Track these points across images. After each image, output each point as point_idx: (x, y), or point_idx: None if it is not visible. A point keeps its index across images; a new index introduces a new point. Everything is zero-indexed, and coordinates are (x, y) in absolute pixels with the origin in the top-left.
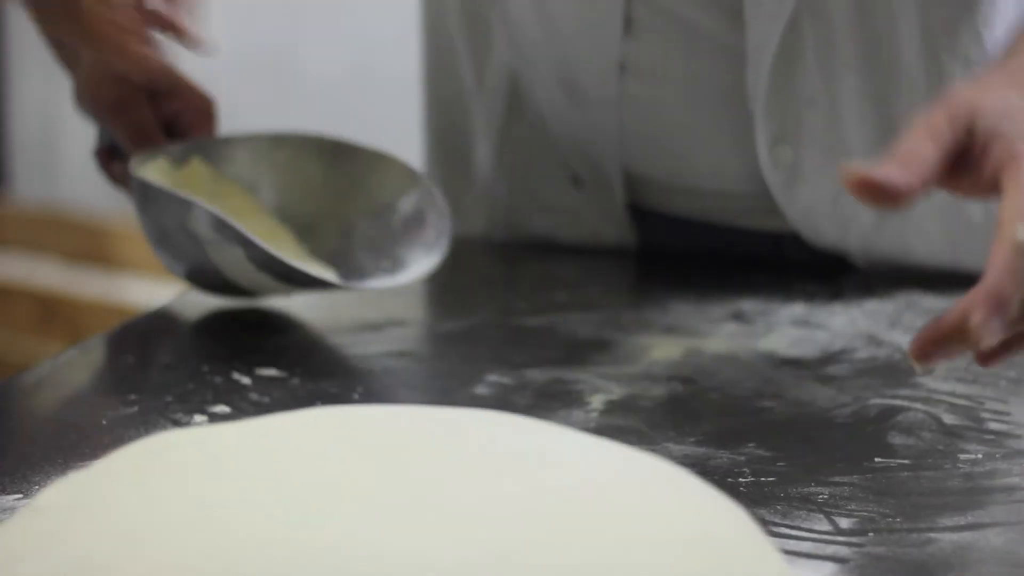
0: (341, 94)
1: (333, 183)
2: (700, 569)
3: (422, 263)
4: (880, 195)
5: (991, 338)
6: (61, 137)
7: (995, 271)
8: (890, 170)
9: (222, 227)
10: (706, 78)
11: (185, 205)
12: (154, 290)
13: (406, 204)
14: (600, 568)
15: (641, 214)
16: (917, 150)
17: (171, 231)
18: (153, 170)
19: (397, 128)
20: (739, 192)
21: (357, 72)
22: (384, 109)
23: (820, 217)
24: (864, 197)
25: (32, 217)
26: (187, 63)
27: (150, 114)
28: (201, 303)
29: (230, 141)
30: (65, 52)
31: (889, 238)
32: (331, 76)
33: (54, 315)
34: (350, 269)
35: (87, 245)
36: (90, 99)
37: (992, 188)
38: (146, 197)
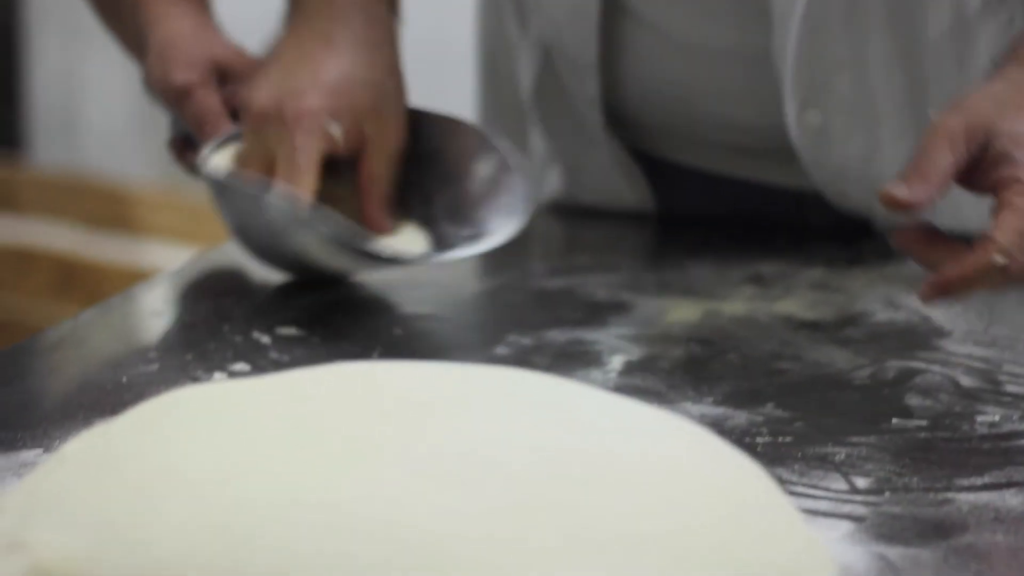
0: None
1: (408, 152)
2: (719, 524)
3: (505, 228)
4: (906, 208)
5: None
6: (81, 102)
7: (958, 273)
8: (914, 189)
9: (299, 210)
10: (722, 34)
11: (259, 192)
12: (174, 254)
13: (483, 168)
14: (619, 522)
15: (662, 169)
16: (936, 163)
17: (248, 218)
18: (224, 157)
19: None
20: (758, 147)
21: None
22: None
23: (848, 180)
24: (893, 209)
25: (52, 182)
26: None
27: (218, 100)
28: (221, 263)
29: None
30: (132, 40)
31: None
32: None
33: (74, 280)
34: (433, 238)
35: (107, 210)
36: (159, 85)
37: (990, 192)
38: (220, 186)
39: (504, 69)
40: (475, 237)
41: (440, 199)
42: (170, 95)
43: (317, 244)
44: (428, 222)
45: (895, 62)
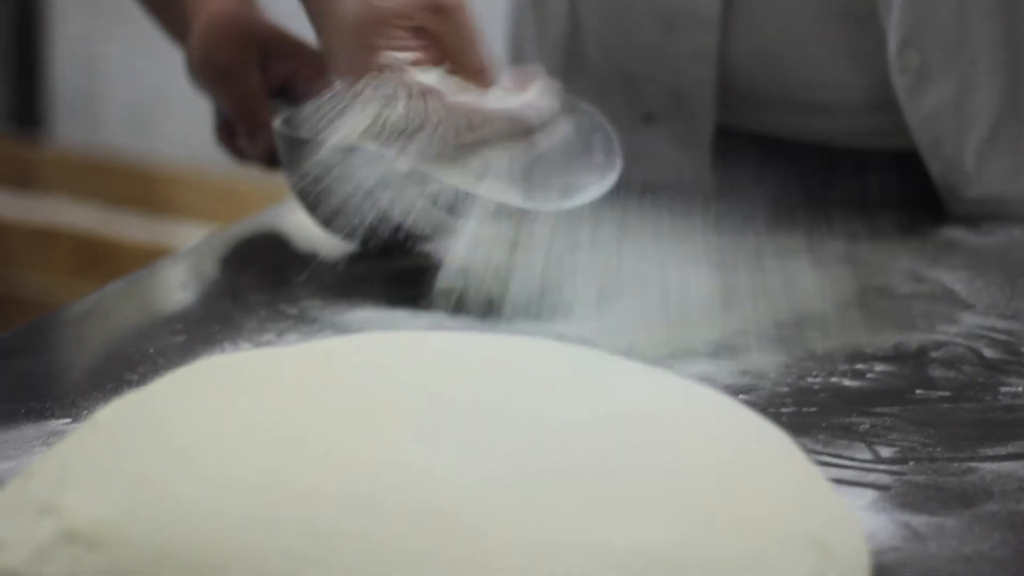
0: None
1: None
2: (749, 491)
3: (596, 185)
4: None
5: None
6: (103, 81)
7: None
8: None
9: (392, 167)
10: None
11: (349, 150)
12: (196, 233)
13: (565, 132)
14: (649, 489)
15: (729, 138)
16: None
17: (332, 182)
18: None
19: None
20: (847, 104)
21: None
22: None
23: (941, 122)
24: None
25: (74, 161)
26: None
27: (258, 84)
28: (246, 236)
29: None
30: (179, 28)
31: (1005, 145)
32: None
33: (96, 258)
34: (524, 198)
35: (128, 188)
36: (200, 66)
37: None
38: (301, 152)
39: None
40: (567, 194)
41: (524, 162)
42: (211, 76)
43: (409, 200)
44: (513, 185)
45: (995, 2)
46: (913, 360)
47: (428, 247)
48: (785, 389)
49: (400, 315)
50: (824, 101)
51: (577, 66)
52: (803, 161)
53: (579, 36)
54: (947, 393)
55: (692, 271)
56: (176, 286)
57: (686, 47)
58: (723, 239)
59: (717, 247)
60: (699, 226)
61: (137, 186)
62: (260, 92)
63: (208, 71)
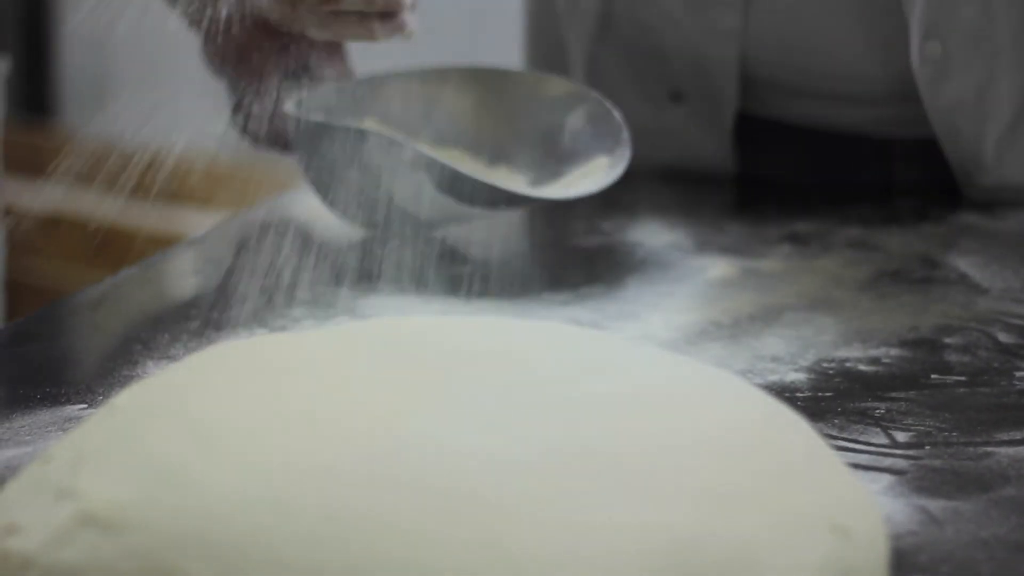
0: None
1: (490, 110)
2: (766, 473)
3: (605, 174)
4: None
5: None
6: (113, 67)
7: None
8: None
9: (401, 153)
10: None
11: (359, 135)
12: (206, 220)
13: (575, 121)
14: (666, 472)
15: (752, 124)
16: None
17: (341, 167)
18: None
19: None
20: (869, 95)
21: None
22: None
23: (961, 114)
24: None
25: (83, 148)
26: None
27: (273, 67)
28: (258, 222)
29: (379, 79)
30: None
31: None
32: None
33: (106, 245)
34: (531, 186)
35: (139, 176)
36: (215, 51)
37: None
38: (311, 136)
39: (551, 38)
40: (576, 182)
41: (535, 150)
42: (228, 58)
43: (418, 188)
44: (524, 172)
45: None
46: (928, 345)
47: (439, 233)
48: (800, 374)
49: (414, 300)
50: (846, 92)
51: (608, 38)
52: (824, 149)
53: (611, 7)
54: (963, 378)
55: (708, 255)
56: (190, 272)
57: (710, 25)
58: (740, 224)
59: (734, 231)
60: (717, 210)
61: (148, 174)
62: (275, 75)
63: (223, 53)
